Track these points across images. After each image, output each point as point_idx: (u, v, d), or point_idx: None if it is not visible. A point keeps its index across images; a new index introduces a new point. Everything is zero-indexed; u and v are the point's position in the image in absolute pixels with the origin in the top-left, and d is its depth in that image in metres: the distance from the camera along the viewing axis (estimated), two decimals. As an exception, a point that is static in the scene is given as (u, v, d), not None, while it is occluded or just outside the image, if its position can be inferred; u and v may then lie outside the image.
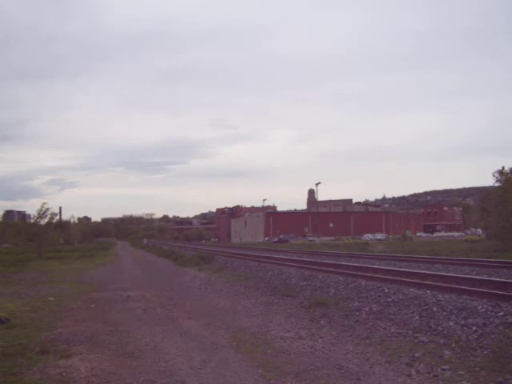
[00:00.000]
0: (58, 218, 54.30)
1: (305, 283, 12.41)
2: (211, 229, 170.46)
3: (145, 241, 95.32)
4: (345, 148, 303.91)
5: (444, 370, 5.25)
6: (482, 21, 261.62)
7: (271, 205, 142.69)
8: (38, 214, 42.98)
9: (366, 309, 8.69)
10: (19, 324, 8.30)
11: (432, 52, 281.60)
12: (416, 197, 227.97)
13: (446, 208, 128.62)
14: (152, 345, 6.80)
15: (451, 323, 6.87)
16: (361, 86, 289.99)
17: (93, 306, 10.84)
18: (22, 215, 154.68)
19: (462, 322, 6.81)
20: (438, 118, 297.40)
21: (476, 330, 6.39)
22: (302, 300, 10.31)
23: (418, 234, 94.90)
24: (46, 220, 43.92)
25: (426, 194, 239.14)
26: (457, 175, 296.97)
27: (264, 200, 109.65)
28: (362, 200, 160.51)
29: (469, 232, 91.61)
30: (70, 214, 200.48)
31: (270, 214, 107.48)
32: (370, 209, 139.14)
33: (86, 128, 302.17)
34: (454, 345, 6.07)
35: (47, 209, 43.34)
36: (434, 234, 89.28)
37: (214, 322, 8.44)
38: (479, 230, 72.98)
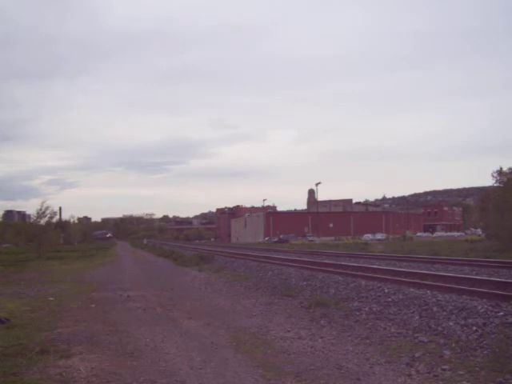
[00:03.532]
0: (57, 217, 54.40)
1: (305, 283, 12.42)
2: (211, 229, 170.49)
3: (145, 241, 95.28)
4: (345, 148, 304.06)
5: (444, 370, 5.25)
6: (481, 21, 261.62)
7: (271, 205, 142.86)
8: (38, 213, 43.00)
9: (366, 309, 8.69)
10: (19, 324, 8.30)
11: (432, 52, 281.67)
12: (416, 197, 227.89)
13: (446, 208, 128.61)
14: (152, 345, 6.80)
15: (451, 323, 6.87)
16: (361, 86, 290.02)
17: (93, 305, 10.84)
18: (22, 215, 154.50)
19: (462, 322, 6.81)
20: (437, 118, 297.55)
21: (476, 330, 6.39)
22: (302, 300, 10.31)
23: (418, 233, 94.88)
24: (45, 219, 43.98)
25: (426, 194, 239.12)
26: (457, 175, 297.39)
27: (264, 200, 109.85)
28: (362, 200, 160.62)
29: (469, 232, 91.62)
30: (70, 214, 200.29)
31: (270, 214, 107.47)
32: (370, 209, 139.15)
33: (86, 128, 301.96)
34: (454, 345, 6.07)
35: (47, 207, 43.38)
36: (434, 234, 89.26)
37: (214, 322, 8.44)
38: (479, 230, 72.98)
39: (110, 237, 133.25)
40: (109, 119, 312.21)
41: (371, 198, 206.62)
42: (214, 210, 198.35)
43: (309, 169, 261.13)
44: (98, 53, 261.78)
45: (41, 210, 42.79)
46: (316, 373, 5.35)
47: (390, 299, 8.99)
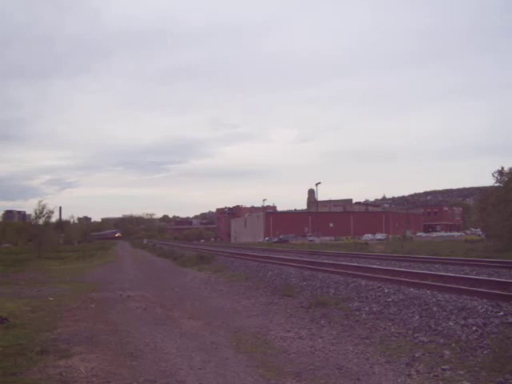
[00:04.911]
0: (57, 217, 54.46)
1: (305, 283, 12.42)
2: (211, 229, 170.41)
3: (145, 241, 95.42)
4: (345, 148, 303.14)
5: (444, 369, 5.25)
6: (484, 20, 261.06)
7: (271, 205, 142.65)
8: (36, 213, 43.05)
9: (366, 309, 8.69)
10: (19, 324, 8.29)
11: (432, 52, 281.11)
12: (416, 197, 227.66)
13: (446, 208, 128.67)
14: (152, 345, 6.81)
15: (451, 323, 6.88)
16: (362, 85, 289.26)
17: (93, 305, 10.84)
18: (22, 215, 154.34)
19: (462, 322, 6.81)
20: (438, 118, 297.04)
21: (476, 330, 6.39)
22: (302, 300, 10.32)
23: (419, 233, 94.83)
24: (44, 219, 44.04)
25: (426, 193, 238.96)
26: (457, 175, 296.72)
27: (264, 200, 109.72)
28: (362, 200, 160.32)
29: (469, 232, 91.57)
30: (70, 214, 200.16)
31: (269, 214, 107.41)
32: (370, 209, 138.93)
33: (86, 128, 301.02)
34: (454, 345, 6.07)
35: (44, 206, 43.43)
36: (434, 235, 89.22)
37: (214, 322, 8.45)
38: (479, 230, 72.95)
39: (118, 236, 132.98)
40: (109, 119, 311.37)
41: (371, 198, 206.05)
42: (213, 210, 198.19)
43: (309, 169, 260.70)
44: (97, 52, 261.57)
45: (38, 209, 42.91)
46: (316, 373, 5.35)
47: (390, 299, 8.99)
